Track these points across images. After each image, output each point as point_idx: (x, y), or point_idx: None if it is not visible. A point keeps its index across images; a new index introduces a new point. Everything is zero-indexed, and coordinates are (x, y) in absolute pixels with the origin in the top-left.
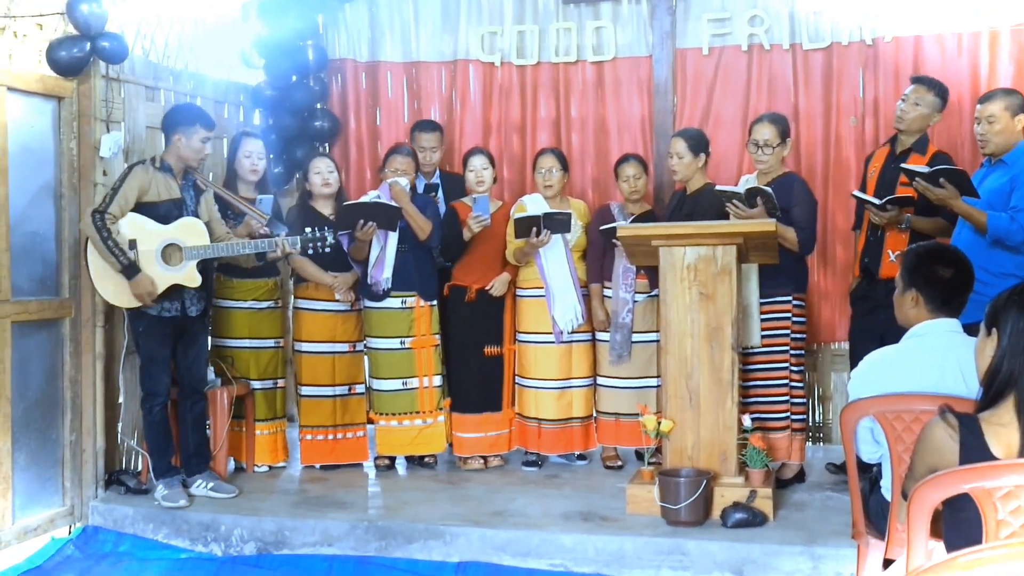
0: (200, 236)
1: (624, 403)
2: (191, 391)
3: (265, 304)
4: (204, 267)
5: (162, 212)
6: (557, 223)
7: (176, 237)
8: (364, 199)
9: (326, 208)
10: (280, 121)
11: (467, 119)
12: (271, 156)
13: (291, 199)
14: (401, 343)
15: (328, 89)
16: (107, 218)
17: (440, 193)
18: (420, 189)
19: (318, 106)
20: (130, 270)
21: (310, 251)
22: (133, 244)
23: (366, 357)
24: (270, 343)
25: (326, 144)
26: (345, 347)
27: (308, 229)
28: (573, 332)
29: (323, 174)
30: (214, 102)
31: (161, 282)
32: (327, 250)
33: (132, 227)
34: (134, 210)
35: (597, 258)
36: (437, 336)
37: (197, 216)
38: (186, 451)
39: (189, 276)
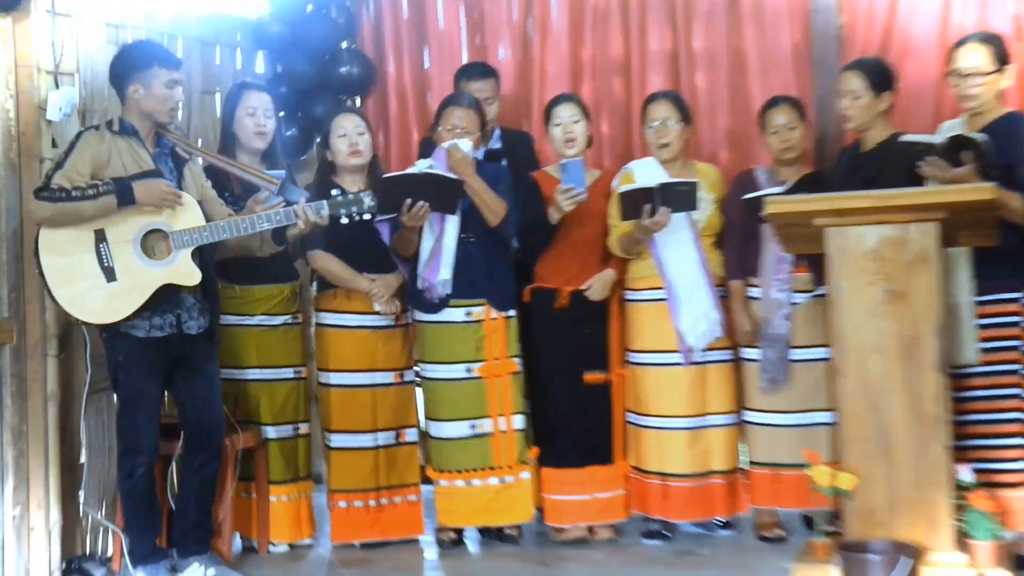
0: (191, 215)
1: (783, 448)
2: (202, 444)
3: (280, 319)
4: (203, 263)
5: None
6: (679, 197)
7: (158, 219)
8: (411, 170)
9: (355, 184)
10: (292, 67)
11: (550, 57)
12: (281, 115)
13: (309, 174)
14: (467, 371)
15: (357, 22)
16: (52, 185)
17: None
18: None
19: (343, 45)
20: (123, 189)
21: (344, 218)
22: (101, 235)
23: (419, 391)
24: (288, 373)
25: (355, 97)
26: (389, 377)
27: (335, 191)
28: (707, 349)
29: (350, 136)
30: (201, 43)
31: (147, 283)
32: (365, 216)
33: None
34: None
35: (737, 245)
36: (517, 360)
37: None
38: (182, 524)
39: (183, 271)
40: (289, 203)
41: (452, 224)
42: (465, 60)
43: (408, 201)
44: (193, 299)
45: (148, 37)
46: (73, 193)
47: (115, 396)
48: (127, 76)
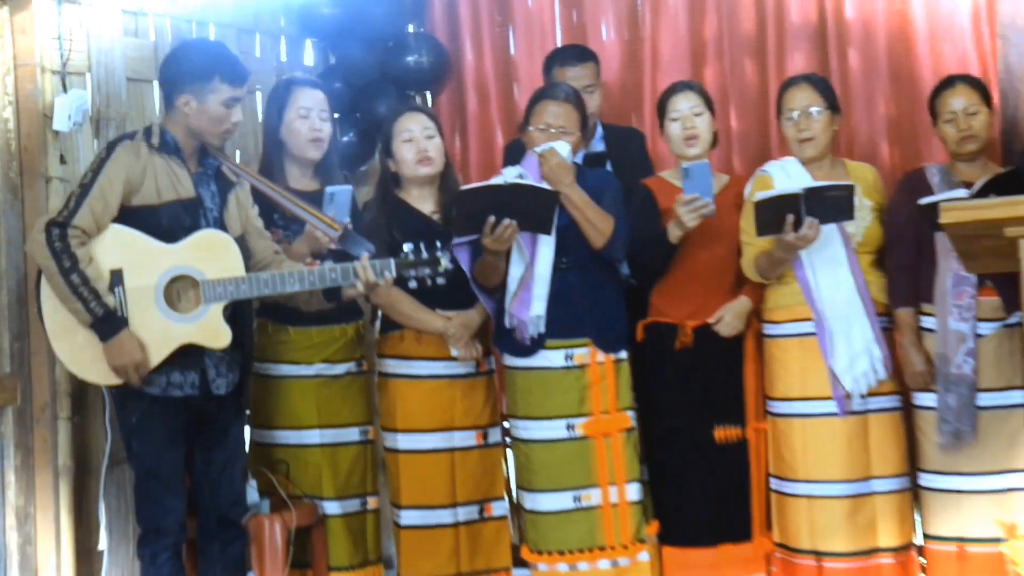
0: (229, 261)
1: (970, 519)
2: (220, 523)
3: (343, 367)
4: (237, 313)
5: (165, 221)
6: (829, 204)
7: (189, 263)
8: (495, 181)
9: (426, 201)
10: (348, 58)
11: (663, 37)
12: (335, 116)
13: (372, 188)
14: (568, 428)
15: (426, 1)
16: (71, 235)
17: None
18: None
19: (410, 29)
20: (105, 325)
21: (412, 281)
22: (118, 277)
23: (509, 453)
24: (353, 434)
25: (425, 92)
26: (471, 438)
27: (407, 246)
28: (869, 395)
29: (417, 141)
30: (237, 31)
31: (164, 342)
32: (441, 280)
33: (116, 247)
34: (119, 219)
35: (905, 263)
36: (630, 413)
37: (224, 227)
38: None
39: (211, 329)
40: (349, 257)
41: (546, 246)
42: (559, 41)
43: (491, 219)
44: (221, 352)
45: (177, 24)
46: (74, 276)
47: (131, 468)
48: (180, 84)
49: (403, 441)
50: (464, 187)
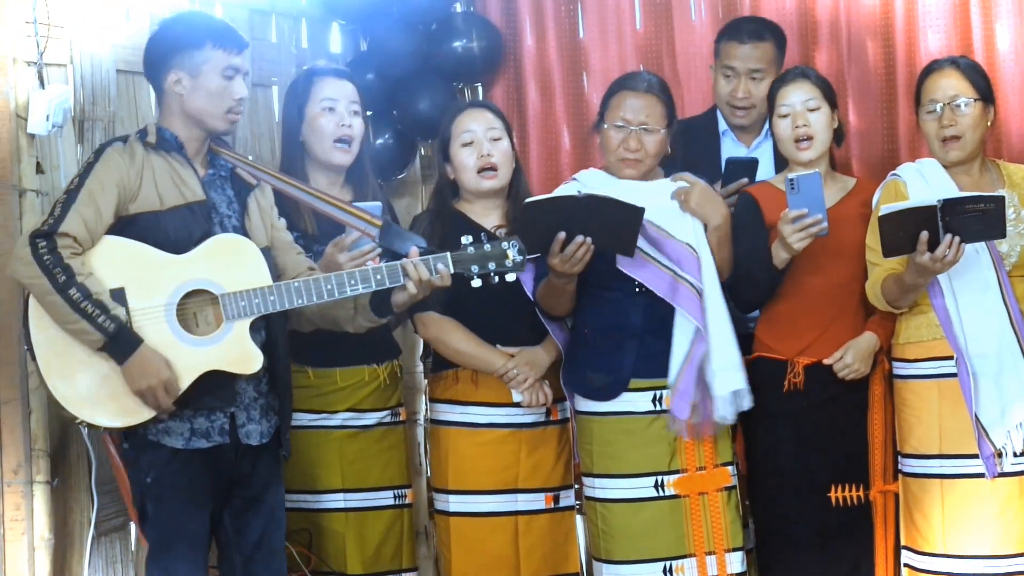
0: (252, 270)
1: None
2: None
3: (374, 417)
4: (272, 348)
5: (172, 231)
6: (975, 219)
7: (204, 275)
8: (568, 190)
9: (490, 214)
10: (383, 43)
11: (765, 14)
12: (368, 114)
13: (413, 200)
14: (657, 486)
15: None
16: (61, 245)
17: (771, 163)
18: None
19: (457, 8)
20: (120, 342)
21: (476, 279)
22: (119, 295)
23: (581, 518)
24: (386, 498)
25: (476, 84)
26: (539, 500)
27: (466, 238)
28: None
29: (480, 144)
30: (250, 13)
31: (181, 372)
32: (510, 276)
33: (113, 263)
34: (116, 230)
35: None
36: (731, 469)
37: (246, 235)
38: None
39: (239, 352)
40: (394, 255)
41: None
42: (639, 24)
43: (562, 235)
44: (255, 392)
45: (176, 6)
46: (72, 291)
47: (144, 538)
48: (166, 60)
49: (456, 503)
50: (530, 199)
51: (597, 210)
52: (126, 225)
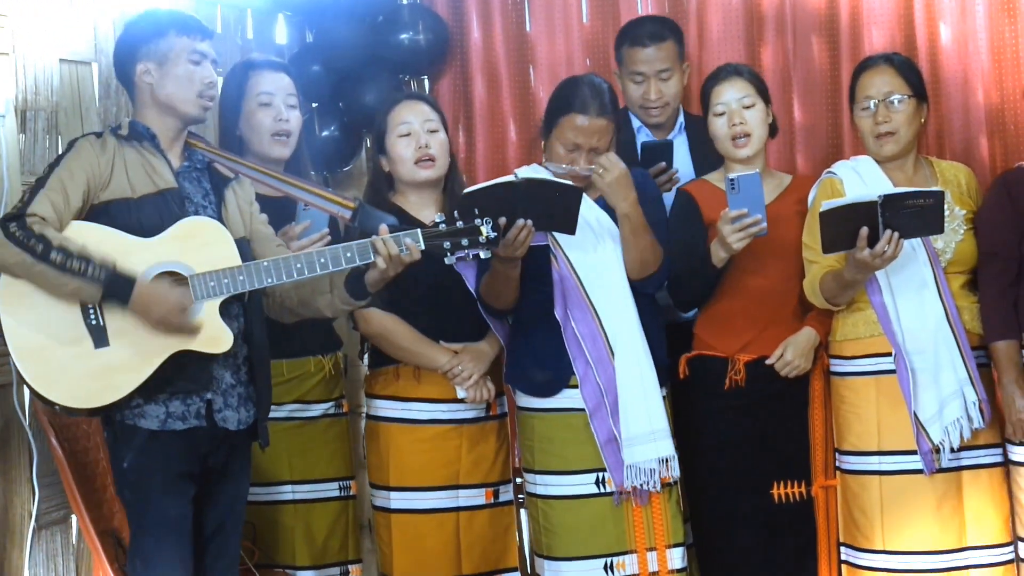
0: (220, 250)
1: None
2: None
3: (319, 408)
4: (253, 341)
5: (145, 218)
6: (913, 215)
7: (173, 257)
8: (506, 179)
9: (426, 207)
10: (329, 35)
11: (712, 10)
12: (313, 106)
13: (359, 192)
14: (598, 483)
15: None
16: (30, 222)
17: (687, 154)
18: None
19: (403, 0)
20: (118, 284)
21: (449, 255)
22: None
23: (524, 514)
24: (332, 489)
25: (422, 77)
26: (479, 496)
27: (438, 216)
28: (962, 448)
29: (417, 135)
30: (195, 3)
31: (153, 352)
32: (483, 253)
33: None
34: (88, 217)
35: (1006, 285)
36: (674, 460)
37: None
38: None
39: (207, 331)
40: (366, 234)
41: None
42: (585, 17)
43: (503, 220)
44: (233, 379)
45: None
46: (53, 254)
47: (130, 527)
48: (133, 54)
49: (397, 500)
50: (469, 188)
51: (536, 194)
52: (99, 213)
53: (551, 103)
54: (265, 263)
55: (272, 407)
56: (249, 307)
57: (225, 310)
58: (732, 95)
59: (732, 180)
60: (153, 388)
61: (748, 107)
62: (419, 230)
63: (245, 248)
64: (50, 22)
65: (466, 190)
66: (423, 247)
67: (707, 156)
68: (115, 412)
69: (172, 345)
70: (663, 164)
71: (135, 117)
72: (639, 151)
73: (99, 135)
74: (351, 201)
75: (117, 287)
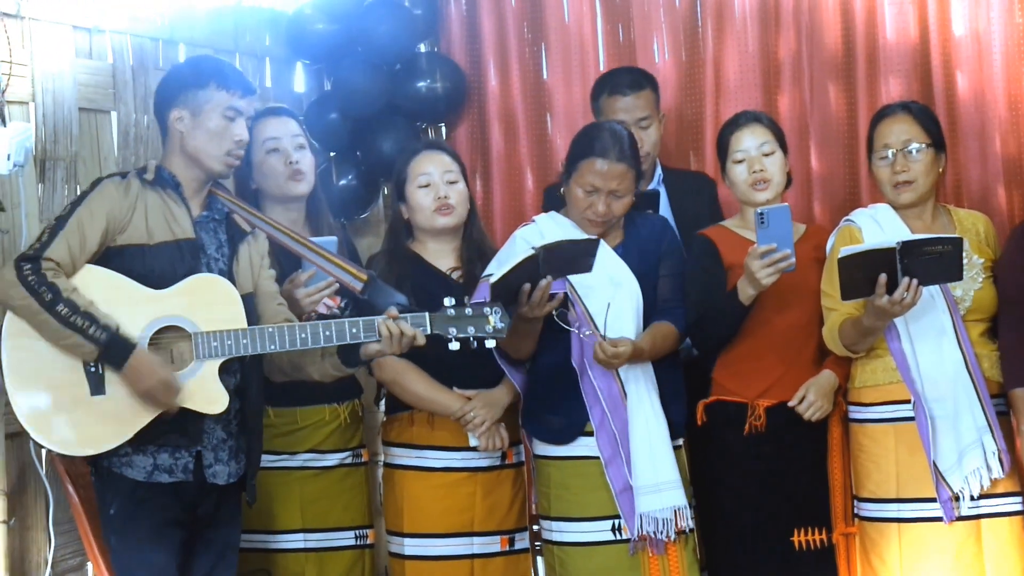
0: (228, 311)
1: None
2: None
3: (336, 458)
4: (247, 390)
5: (158, 266)
6: (930, 262)
7: (180, 312)
8: (519, 248)
9: (444, 256)
10: (347, 83)
11: (729, 58)
12: (332, 154)
13: (376, 239)
14: (614, 530)
15: (441, 14)
16: (45, 267)
17: (667, 209)
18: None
19: (422, 49)
20: (115, 349)
21: (454, 342)
22: None
23: (541, 561)
24: (347, 538)
25: (439, 124)
26: (494, 544)
27: (448, 300)
28: (982, 496)
29: (436, 186)
30: (214, 53)
31: (146, 405)
32: (490, 342)
33: (93, 291)
34: (103, 262)
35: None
36: (687, 510)
37: (233, 280)
38: None
39: (206, 391)
40: (373, 310)
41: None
42: (603, 65)
43: (527, 287)
44: (224, 433)
45: (140, 44)
46: (60, 307)
47: (112, 569)
48: (171, 98)
49: (411, 546)
50: (495, 276)
51: (554, 255)
52: (113, 255)
53: (572, 148)
54: (270, 329)
55: (286, 456)
56: (249, 364)
57: (224, 365)
58: (751, 142)
59: (761, 214)
60: (142, 438)
61: (768, 154)
62: (427, 314)
63: (249, 304)
64: (69, 70)
65: (492, 279)
66: (429, 332)
67: (685, 210)
68: (103, 459)
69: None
70: (649, 213)
71: (163, 162)
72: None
73: (124, 176)
74: (363, 273)
75: (115, 351)
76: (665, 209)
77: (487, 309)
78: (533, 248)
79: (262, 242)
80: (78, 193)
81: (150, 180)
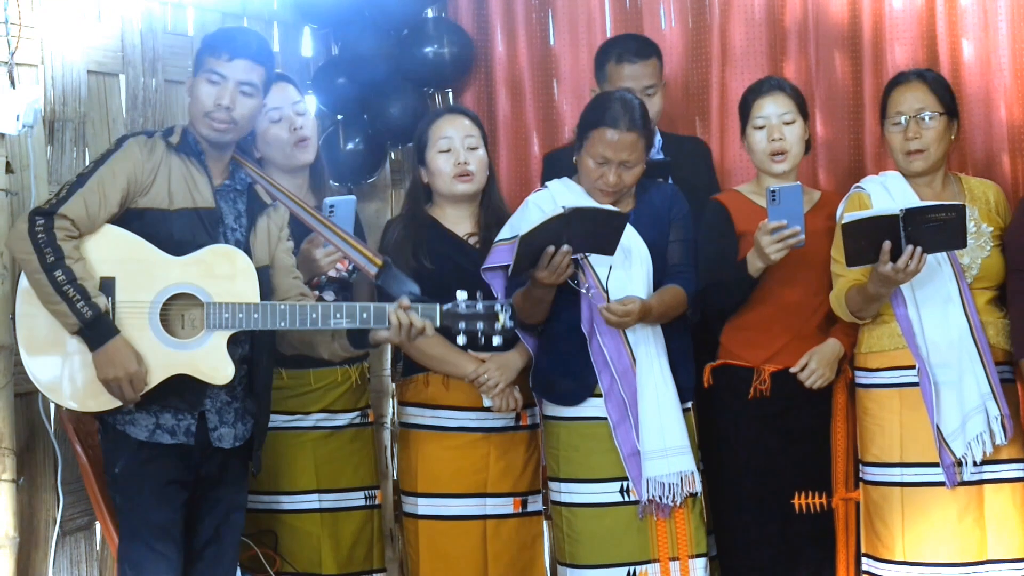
0: (242, 284)
1: None
2: None
3: (346, 418)
4: (256, 354)
5: (176, 232)
6: (936, 229)
7: (194, 281)
8: (548, 208)
9: (462, 221)
10: (354, 48)
11: (735, 26)
12: (339, 118)
13: (383, 204)
14: (622, 492)
15: None
16: (58, 226)
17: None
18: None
19: (429, 14)
20: (94, 329)
21: (461, 336)
22: (108, 286)
23: (545, 524)
24: (357, 499)
25: (446, 89)
26: (507, 504)
27: (461, 294)
28: (984, 461)
29: (457, 152)
30: (223, 18)
31: (157, 366)
32: (497, 339)
33: (109, 252)
34: (122, 223)
35: None
36: (695, 475)
37: (249, 251)
38: None
39: (211, 361)
40: (385, 296)
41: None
42: (609, 31)
43: (550, 250)
44: (227, 395)
45: (148, 8)
46: (58, 272)
47: (115, 531)
48: (193, 67)
49: (424, 506)
50: (525, 232)
51: (583, 221)
52: (134, 217)
53: (583, 117)
54: (282, 306)
55: (299, 416)
56: (259, 334)
57: (233, 335)
58: (774, 109)
59: (773, 191)
60: (145, 398)
61: (788, 123)
62: (438, 307)
63: (264, 276)
64: (78, 34)
65: (521, 234)
66: (438, 324)
67: (684, 176)
68: (108, 416)
69: (172, 367)
70: (659, 181)
71: (190, 126)
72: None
73: (150, 135)
74: (379, 258)
75: (96, 331)
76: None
77: (498, 307)
78: (564, 207)
79: (282, 214)
80: (88, 156)
81: (175, 144)
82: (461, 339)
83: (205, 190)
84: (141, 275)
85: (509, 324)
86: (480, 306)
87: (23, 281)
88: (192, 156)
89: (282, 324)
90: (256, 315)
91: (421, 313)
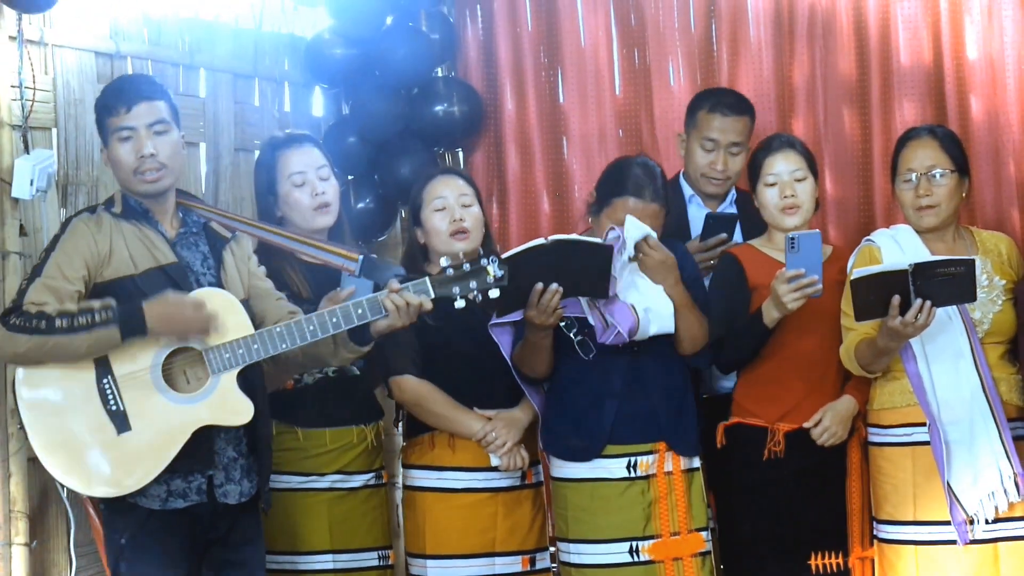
0: (232, 320)
1: None
2: None
3: (360, 479)
4: (248, 390)
5: (149, 293)
6: (946, 283)
7: None
8: (537, 242)
9: None
10: (365, 107)
11: (743, 81)
12: (350, 178)
13: (392, 261)
14: (632, 552)
15: (457, 38)
16: (27, 309)
17: (738, 232)
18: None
19: (438, 73)
20: (130, 320)
21: (459, 300)
22: (104, 367)
23: None
24: (371, 559)
25: (456, 148)
26: (515, 564)
27: (444, 260)
28: (997, 519)
29: (452, 209)
30: (233, 77)
31: (178, 430)
32: (494, 292)
33: None
34: (94, 297)
35: None
36: (705, 535)
37: (222, 287)
38: None
39: (229, 404)
40: (377, 287)
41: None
42: (618, 88)
43: (539, 286)
44: (234, 452)
45: (160, 69)
46: (58, 322)
47: None
48: (102, 137)
49: (434, 568)
50: (505, 255)
51: (566, 254)
52: (103, 291)
53: (604, 184)
54: (278, 328)
55: (314, 477)
56: (249, 375)
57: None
58: (784, 167)
59: (792, 239)
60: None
61: (799, 180)
62: (427, 278)
63: (246, 308)
64: (92, 95)
65: (504, 256)
66: (433, 296)
67: (753, 232)
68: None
69: (193, 423)
70: (723, 236)
71: (124, 191)
72: (705, 221)
73: (93, 211)
74: (355, 253)
75: (131, 318)
76: (735, 228)
77: (484, 260)
78: (546, 240)
79: (245, 244)
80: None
81: (118, 212)
82: (460, 303)
83: (163, 246)
84: (132, 345)
85: (499, 273)
86: (467, 265)
87: (21, 398)
88: (139, 219)
89: (283, 346)
90: (256, 345)
91: (413, 291)
